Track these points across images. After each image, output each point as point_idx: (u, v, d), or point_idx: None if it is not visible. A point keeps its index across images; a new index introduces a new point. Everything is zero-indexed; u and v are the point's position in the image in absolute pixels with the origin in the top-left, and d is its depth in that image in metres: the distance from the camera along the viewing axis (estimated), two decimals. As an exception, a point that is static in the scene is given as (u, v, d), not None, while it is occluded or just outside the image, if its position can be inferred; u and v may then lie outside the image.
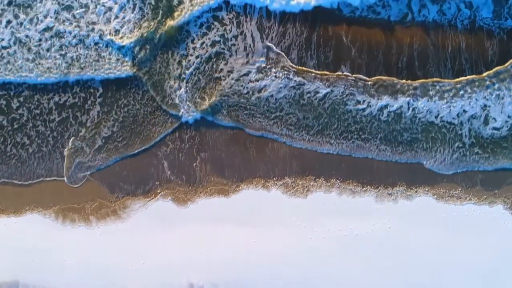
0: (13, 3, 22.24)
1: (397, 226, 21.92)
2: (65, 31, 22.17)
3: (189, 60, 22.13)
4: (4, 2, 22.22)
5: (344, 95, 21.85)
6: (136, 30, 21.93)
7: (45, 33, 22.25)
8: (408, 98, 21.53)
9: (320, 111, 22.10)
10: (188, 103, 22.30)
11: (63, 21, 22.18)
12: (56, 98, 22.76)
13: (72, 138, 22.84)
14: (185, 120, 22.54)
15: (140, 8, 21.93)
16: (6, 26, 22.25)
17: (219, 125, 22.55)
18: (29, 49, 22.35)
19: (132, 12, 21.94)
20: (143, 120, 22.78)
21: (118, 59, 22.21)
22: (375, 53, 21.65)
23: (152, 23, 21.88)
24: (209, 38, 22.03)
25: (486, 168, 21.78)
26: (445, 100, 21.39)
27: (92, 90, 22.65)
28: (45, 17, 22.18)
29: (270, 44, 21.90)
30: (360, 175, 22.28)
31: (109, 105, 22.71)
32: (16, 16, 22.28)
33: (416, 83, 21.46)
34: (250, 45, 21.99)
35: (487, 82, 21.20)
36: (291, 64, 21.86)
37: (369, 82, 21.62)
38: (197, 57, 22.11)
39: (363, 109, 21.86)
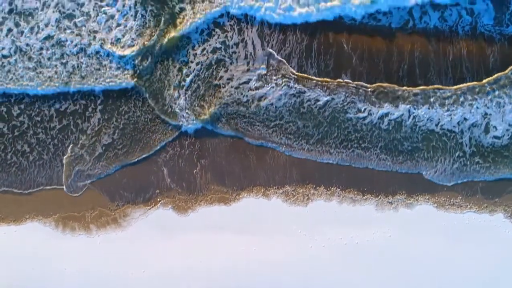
0: (14, 11, 22.22)
1: (398, 235, 21.87)
2: (66, 40, 22.14)
3: (190, 67, 22.10)
4: (5, 10, 22.20)
5: (345, 103, 21.80)
6: (137, 38, 21.88)
7: (46, 41, 22.22)
8: (409, 106, 21.48)
9: (320, 119, 22.06)
10: (187, 111, 22.26)
11: (64, 29, 22.13)
12: (57, 105, 22.76)
13: (71, 145, 22.81)
14: (184, 129, 22.53)
15: (142, 15, 21.87)
16: (6, 35, 22.22)
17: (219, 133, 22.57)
18: (29, 58, 22.32)
19: (134, 20, 21.89)
20: (143, 127, 22.76)
21: (119, 67, 22.19)
22: (375, 60, 21.59)
23: (154, 30, 21.83)
24: (210, 45, 22.01)
25: (487, 178, 21.71)
26: (446, 108, 21.34)
27: (93, 97, 22.63)
28: (46, 25, 22.15)
29: (271, 50, 21.86)
30: (360, 184, 22.24)
31: (109, 112, 22.69)
32: (17, 25, 22.26)
33: (417, 89, 21.41)
34: (251, 53, 21.96)
35: (488, 89, 21.13)
36: (292, 70, 21.82)
37: (369, 89, 21.57)
38: (197, 63, 22.09)
39: (364, 118, 21.82)
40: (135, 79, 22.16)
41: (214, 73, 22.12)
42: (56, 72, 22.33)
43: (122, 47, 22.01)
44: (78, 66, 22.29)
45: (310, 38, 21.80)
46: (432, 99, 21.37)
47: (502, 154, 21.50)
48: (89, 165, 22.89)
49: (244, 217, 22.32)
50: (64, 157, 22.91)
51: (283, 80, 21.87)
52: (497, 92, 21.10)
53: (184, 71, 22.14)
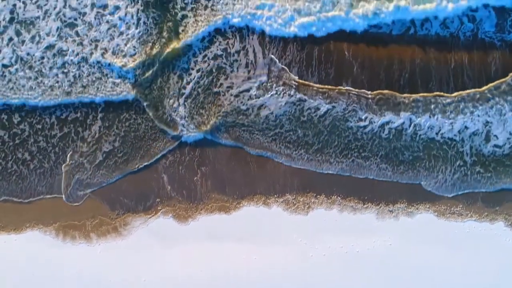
0: (15, 20, 22.21)
1: (398, 243, 21.83)
2: (68, 49, 22.10)
3: (190, 74, 22.07)
4: (6, 19, 22.18)
5: (346, 112, 21.77)
6: (140, 47, 21.81)
7: (47, 51, 22.19)
8: (409, 114, 21.44)
9: (321, 128, 22.03)
10: (187, 119, 22.20)
11: (66, 38, 22.11)
12: (58, 113, 22.73)
13: (71, 152, 22.77)
14: (185, 139, 22.51)
15: (144, 23, 21.84)
16: (7, 44, 22.17)
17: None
18: (30, 67, 22.29)
19: (136, 28, 21.83)
20: (144, 135, 22.73)
21: (120, 76, 22.19)
22: (376, 69, 21.58)
23: (156, 38, 21.77)
24: (211, 52, 21.99)
25: (488, 189, 21.69)
26: (447, 115, 21.30)
27: (94, 105, 22.59)
28: (48, 34, 22.13)
29: (272, 56, 21.83)
30: (361, 192, 22.21)
31: (110, 119, 22.66)
32: (18, 33, 22.24)
33: (417, 96, 21.38)
34: (252, 61, 21.95)
35: (488, 95, 21.11)
36: (294, 77, 21.77)
37: (370, 96, 21.53)
38: (198, 71, 22.06)
39: (365, 126, 21.80)
40: (136, 90, 22.10)
41: (215, 80, 22.09)
42: (57, 82, 22.29)
43: (124, 56, 21.97)
44: (79, 76, 22.26)
45: (310, 46, 21.79)
46: (433, 106, 21.33)
47: (503, 163, 21.47)
48: (89, 174, 22.82)
49: (245, 226, 22.27)
50: (63, 165, 22.86)
51: (284, 88, 21.84)
52: (497, 99, 21.08)
53: (185, 78, 22.11)
